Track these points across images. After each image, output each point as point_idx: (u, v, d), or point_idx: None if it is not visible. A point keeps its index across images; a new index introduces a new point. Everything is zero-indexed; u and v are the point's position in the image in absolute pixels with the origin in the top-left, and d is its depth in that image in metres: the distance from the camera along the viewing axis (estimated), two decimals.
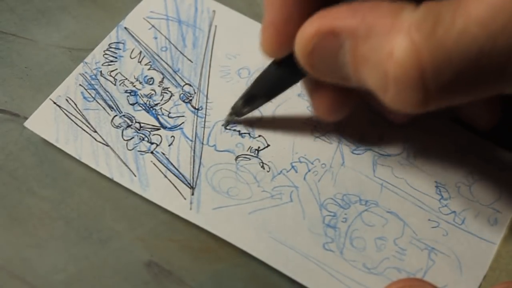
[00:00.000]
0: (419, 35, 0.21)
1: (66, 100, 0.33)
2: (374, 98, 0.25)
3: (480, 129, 0.33)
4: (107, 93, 0.34)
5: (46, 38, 0.36)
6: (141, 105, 0.34)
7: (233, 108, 0.33)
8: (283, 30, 0.27)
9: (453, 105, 0.23)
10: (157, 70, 0.35)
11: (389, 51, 0.22)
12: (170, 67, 0.35)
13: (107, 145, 0.32)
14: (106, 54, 0.35)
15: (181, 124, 0.34)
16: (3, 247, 0.30)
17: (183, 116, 0.34)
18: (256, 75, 0.35)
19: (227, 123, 0.34)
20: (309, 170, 0.33)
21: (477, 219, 0.32)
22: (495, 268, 0.30)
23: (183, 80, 0.35)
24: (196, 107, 0.34)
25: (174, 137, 0.33)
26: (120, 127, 0.33)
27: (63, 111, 0.33)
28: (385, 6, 0.23)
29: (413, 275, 0.30)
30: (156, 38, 0.36)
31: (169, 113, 0.34)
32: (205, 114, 0.34)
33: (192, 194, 0.31)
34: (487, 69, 0.21)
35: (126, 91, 0.34)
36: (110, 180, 0.32)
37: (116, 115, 0.33)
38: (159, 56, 0.36)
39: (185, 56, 0.36)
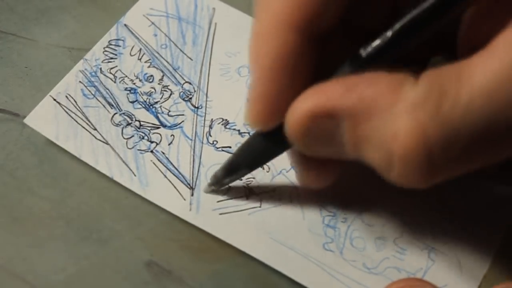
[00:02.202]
0: (424, 114, 0.21)
1: (66, 97, 0.33)
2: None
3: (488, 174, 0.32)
4: (107, 90, 0.34)
5: (46, 38, 0.36)
6: (141, 103, 0.34)
7: (214, 177, 0.31)
8: (273, 104, 0.25)
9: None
10: (157, 68, 0.35)
11: (393, 132, 0.21)
12: (170, 64, 0.35)
13: (107, 143, 0.32)
14: (106, 51, 0.35)
15: (181, 123, 0.33)
16: (3, 247, 0.30)
17: (183, 114, 0.34)
18: None
19: (207, 192, 0.32)
20: None
21: (477, 219, 0.32)
22: (495, 268, 0.30)
23: (183, 78, 0.35)
24: (196, 106, 0.34)
25: (174, 136, 0.33)
26: (120, 125, 0.33)
27: (63, 108, 0.33)
28: (382, 81, 0.22)
29: (413, 275, 0.30)
30: (156, 35, 0.36)
31: (169, 111, 0.34)
32: (205, 113, 0.34)
33: (192, 195, 0.31)
34: (497, 137, 0.21)
35: (126, 89, 0.34)
36: (110, 180, 0.32)
37: (116, 113, 0.33)
38: (159, 53, 0.36)
39: (185, 54, 0.36)
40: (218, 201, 0.31)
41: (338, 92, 0.23)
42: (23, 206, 0.31)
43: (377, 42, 0.23)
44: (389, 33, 0.23)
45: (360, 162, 0.24)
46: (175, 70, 0.35)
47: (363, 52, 0.24)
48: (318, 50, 0.25)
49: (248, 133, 0.33)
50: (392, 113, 0.21)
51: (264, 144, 0.28)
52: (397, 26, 0.23)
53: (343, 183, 0.32)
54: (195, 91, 0.35)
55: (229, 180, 0.31)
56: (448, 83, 0.21)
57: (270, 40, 0.24)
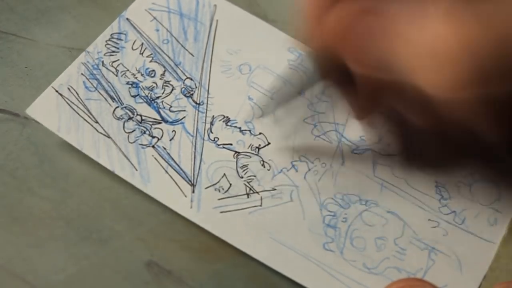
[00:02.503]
0: (456, 10, 0.20)
1: (68, 89, 0.33)
2: (401, 99, 0.24)
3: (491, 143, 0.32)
4: (109, 83, 0.34)
5: (46, 38, 0.36)
6: (142, 97, 0.34)
7: (262, 105, 0.32)
8: (321, 16, 0.25)
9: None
10: (158, 63, 0.35)
11: (424, 26, 0.21)
12: (171, 60, 0.35)
13: (109, 137, 0.32)
14: (108, 44, 0.35)
15: (182, 119, 0.33)
16: (3, 247, 0.30)
17: (184, 110, 0.34)
18: (257, 71, 0.35)
19: (256, 117, 0.33)
20: (309, 170, 0.33)
21: (477, 219, 0.32)
22: (495, 268, 0.30)
23: (184, 74, 0.35)
24: (197, 102, 0.34)
25: (175, 131, 0.33)
26: (121, 119, 0.33)
27: (64, 100, 0.33)
28: None
29: (413, 274, 0.30)
30: (157, 30, 0.36)
31: (171, 107, 0.34)
32: (206, 109, 0.34)
33: (193, 191, 0.31)
34: None
35: (127, 83, 0.34)
36: (110, 181, 0.32)
37: (117, 107, 0.33)
38: (160, 48, 0.35)
39: (186, 50, 0.36)
40: (219, 199, 0.31)
41: None
42: (23, 206, 0.31)
43: None
44: None
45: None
46: (176, 65, 0.35)
47: None
48: None
49: (249, 130, 0.33)
50: (425, 10, 0.21)
51: (309, 68, 0.29)
52: None
53: (343, 183, 0.32)
54: (196, 87, 0.34)
55: (275, 107, 0.32)
56: None
57: None
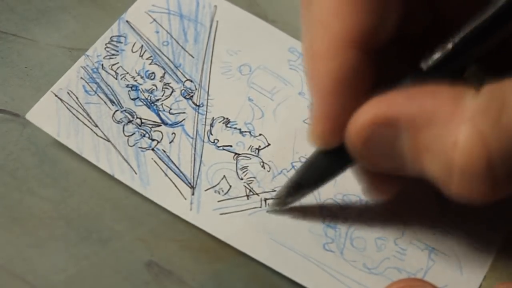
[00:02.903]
0: (484, 123, 0.20)
1: (68, 93, 0.33)
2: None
3: None
4: (108, 87, 0.34)
5: (46, 38, 0.36)
6: (142, 100, 0.34)
7: (277, 197, 0.31)
8: (336, 122, 0.25)
9: None
10: (158, 65, 0.35)
11: (453, 141, 0.21)
12: (171, 62, 0.35)
13: (108, 141, 0.32)
14: (107, 47, 0.35)
15: (182, 121, 0.33)
16: (3, 247, 0.30)
17: (184, 112, 0.34)
18: (257, 72, 0.35)
19: (271, 210, 0.32)
20: None
21: (478, 219, 0.32)
22: (495, 268, 0.30)
23: (184, 76, 0.35)
24: (197, 104, 0.34)
25: (175, 134, 0.33)
26: (121, 122, 0.33)
27: (64, 104, 0.33)
28: (444, 92, 0.22)
29: (413, 275, 0.30)
30: (157, 32, 0.36)
31: (170, 109, 0.34)
32: (206, 111, 0.34)
33: (193, 194, 0.31)
34: None
35: (127, 86, 0.34)
36: (110, 180, 0.32)
37: (117, 110, 0.33)
38: (160, 50, 0.35)
39: (186, 51, 0.36)
40: (218, 201, 0.31)
41: (399, 101, 0.23)
42: (23, 206, 0.31)
43: (437, 55, 0.23)
44: (449, 45, 0.23)
45: (419, 178, 0.24)
46: (176, 67, 0.35)
47: (424, 65, 0.24)
48: (376, 65, 0.25)
49: (249, 132, 0.33)
50: (452, 123, 0.21)
51: (328, 161, 0.28)
52: (457, 38, 0.23)
53: (343, 183, 0.32)
54: (196, 89, 0.34)
55: (292, 199, 0.31)
56: (510, 94, 0.21)
57: (329, 59, 0.24)
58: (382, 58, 0.26)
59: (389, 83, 0.24)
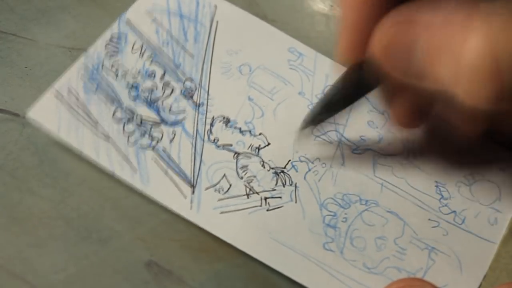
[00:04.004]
0: (496, 23, 0.21)
1: (68, 91, 0.33)
2: (447, 108, 0.24)
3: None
4: (109, 85, 0.34)
5: (46, 38, 0.36)
6: (142, 99, 0.34)
7: (309, 114, 0.32)
8: (362, 33, 0.26)
9: None
10: (158, 65, 0.35)
11: (463, 40, 0.21)
12: (171, 61, 0.35)
13: (109, 139, 0.32)
14: (108, 46, 0.35)
15: (182, 120, 0.33)
16: (3, 246, 0.30)
17: (184, 111, 0.34)
18: (257, 72, 0.35)
19: (303, 132, 0.33)
20: (309, 170, 0.33)
21: (477, 219, 0.32)
22: (495, 268, 0.30)
23: (184, 75, 0.35)
24: (197, 103, 0.34)
25: (175, 133, 0.33)
26: (121, 121, 0.33)
27: (64, 103, 0.33)
28: (464, 1, 0.22)
29: (413, 274, 0.30)
30: (157, 31, 0.36)
31: (170, 108, 0.34)
32: (206, 111, 0.34)
33: (193, 192, 0.31)
34: None
35: (127, 85, 0.34)
36: (110, 180, 0.32)
37: (117, 109, 0.33)
38: (160, 50, 0.35)
39: (186, 51, 0.36)
40: (218, 200, 0.31)
41: (420, 7, 0.24)
42: (23, 206, 0.31)
43: None
44: None
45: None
46: (176, 67, 0.35)
47: None
48: None
49: (249, 131, 0.33)
50: (465, 24, 0.21)
51: (355, 80, 0.29)
52: None
53: (343, 183, 0.32)
54: (196, 88, 0.34)
55: (325, 116, 0.31)
56: None
57: None
58: None
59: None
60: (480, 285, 0.30)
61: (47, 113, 0.32)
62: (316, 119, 0.31)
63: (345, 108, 0.30)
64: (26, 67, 0.35)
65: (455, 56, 0.22)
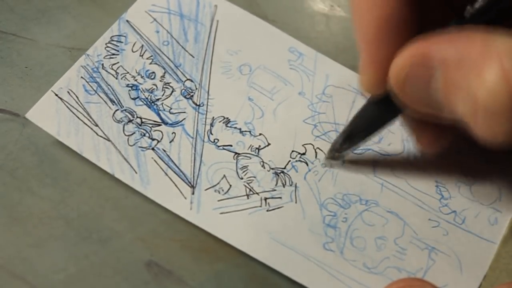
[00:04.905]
0: (509, 61, 0.21)
1: (68, 92, 0.33)
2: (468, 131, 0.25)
3: None
4: (109, 86, 0.34)
5: (46, 38, 0.36)
6: (142, 99, 0.34)
7: (333, 145, 0.32)
8: (382, 67, 0.26)
9: None
10: (158, 65, 0.35)
11: (480, 79, 0.21)
12: (171, 61, 0.35)
13: (108, 140, 0.32)
14: (108, 47, 0.35)
15: (182, 120, 0.33)
16: (3, 246, 0.30)
17: (184, 112, 0.34)
18: (257, 72, 0.35)
19: (329, 161, 0.33)
20: (309, 170, 0.33)
21: (477, 219, 0.32)
22: (495, 268, 0.30)
23: (184, 76, 0.35)
24: (197, 103, 0.34)
25: (175, 133, 0.33)
26: (121, 121, 0.33)
27: (64, 104, 0.33)
28: (479, 34, 0.22)
29: (413, 274, 0.30)
30: (158, 32, 0.36)
31: (170, 108, 0.34)
32: (206, 111, 0.34)
33: (193, 193, 0.31)
34: None
35: (127, 85, 0.34)
36: (110, 180, 0.32)
37: (117, 109, 0.33)
38: (160, 50, 0.35)
39: (186, 51, 0.36)
40: (218, 200, 0.31)
41: (435, 43, 0.24)
42: (23, 206, 0.31)
43: (480, 2, 0.24)
44: None
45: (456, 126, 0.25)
46: (176, 67, 0.35)
47: (467, 13, 0.24)
48: (420, 12, 0.26)
49: (249, 131, 0.33)
50: (480, 61, 0.22)
51: (378, 110, 0.29)
52: None
53: (343, 183, 0.32)
54: (196, 88, 0.34)
55: (347, 146, 0.32)
56: None
57: (373, 7, 0.26)
58: (427, 5, 0.27)
59: (432, 30, 0.25)
60: (480, 285, 0.30)
61: (47, 114, 0.32)
62: (339, 149, 0.32)
63: (369, 137, 0.31)
64: (26, 67, 0.35)
65: (471, 93, 0.22)
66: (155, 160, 0.32)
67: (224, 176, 0.32)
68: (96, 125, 0.33)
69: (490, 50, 0.21)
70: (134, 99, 0.34)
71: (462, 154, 0.33)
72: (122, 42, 0.35)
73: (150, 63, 0.35)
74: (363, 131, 0.30)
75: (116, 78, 0.34)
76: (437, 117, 0.26)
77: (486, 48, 0.22)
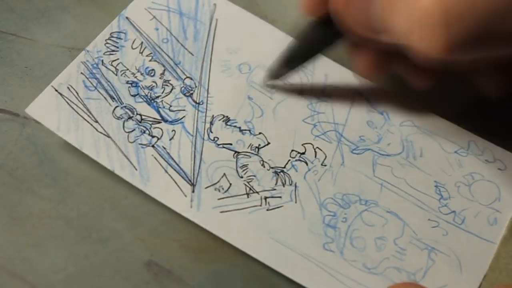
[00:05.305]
0: None
1: (68, 88, 0.33)
2: (404, 60, 0.25)
3: (491, 95, 0.33)
4: (109, 83, 0.34)
5: (46, 38, 0.36)
6: (142, 96, 0.34)
7: (270, 70, 0.33)
8: None
9: (472, 67, 0.24)
10: (158, 62, 0.35)
11: None
12: (171, 59, 0.35)
13: (108, 136, 0.32)
14: (107, 43, 0.35)
15: (182, 118, 0.33)
16: (3, 246, 0.30)
17: (184, 110, 0.34)
18: (257, 70, 0.35)
19: (265, 83, 0.34)
20: (309, 170, 0.33)
21: (477, 219, 0.32)
22: (495, 268, 0.30)
23: (184, 73, 0.35)
24: (197, 101, 0.34)
25: (175, 131, 0.33)
26: (121, 118, 0.33)
27: (64, 99, 0.33)
28: None
29: (413, 275, 0.30)
30: (157, 29, 0.36)
31: (170, 106, 0.34)
32: (206, 109, 0.34)
33: (193, 191, 0.31)
34: (510, 21, 0.22)
35: (127, 82, 0.34)
36: (110, 180, 0.32)
37: (117, 106, 0.33)
38: (160, 47, 0.35)
39: (186, 49, 0.35)
40: (219, 199, 0.31)
41: None
42: (23, 206, 0.31)
43: None
44: None
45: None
46: (176, 65, 0.35)
47: None
48: None
49: (249, 130, 0.33)
50: None
51: (318, 33, 0.29)
52: None
53: (343, 183, 0.32)
54: (196, 86, 0.34)
55: (285, 71, 0.32)
56: None
57: None
58: None
59: None
60: (480, 285, 0.30)
61: (46, 109, 0.32)
62: (278, 73, 0.33)
63: (307, 62, 0.32)
64: (26, 67, 0.35)
65: (409, 7, 0.23)
66: (155, 157, 0.32)
67: (224, 174, 0.32)
68: (96, 121, 0.33)
69: None
70: (134, 96, 0.34)
71: (462, 154, 0.33)
72: (121, 39, 0.35)
73: (150, 60, 0.35)
74: (302, 55, 0.31)
75: (116, 75, 0.34)
76: (376, 42, 0.27)
77: None
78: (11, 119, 0.34)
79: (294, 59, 0.31)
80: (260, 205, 0.31)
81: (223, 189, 0.32)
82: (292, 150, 0.33)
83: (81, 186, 0.32)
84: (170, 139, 0.33)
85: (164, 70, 0.35)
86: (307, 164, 0.33)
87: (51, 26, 0.37)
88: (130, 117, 0.33)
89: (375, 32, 0.26)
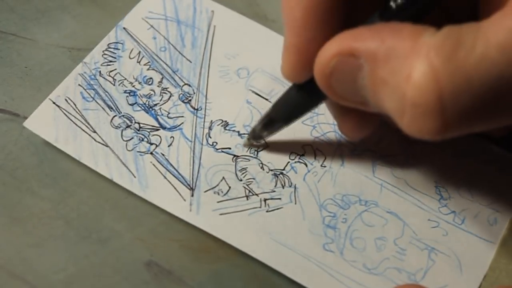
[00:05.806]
0: (438, 58, 0.21)
1: (66, 100, 0.33)
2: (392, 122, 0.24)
3: (494, 136, 0.33)
4: (106, 93, 0.34)
5: (46, 38, 0.36)
6: (140, 105, 0.34)
7: (252, 132, 0.32)
8: (304, 53, 0.26)
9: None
10: (156, 70, 0.35)
11: (407, 74, 0.21)
12: (169, 67, 0.35)
13: (107, 146, 0.32)
14: (105, 54, 0.35)
15: (180, 125, 0.33)
16: (3, 246, 0.30)
17: (182, 116, 0.34)
18: (255, 75, 0.35)
19: (247, 146, 0.33)
20: (308, 171, 0.33)
21: (477, 219, 0.32)
22: (495, 268, 0.30)
23: (182, 80, 0.35)
24: (196, 108, 0.34)
25: (173, 137, 0.33)
26: (119, 127, 0.33)
27: (62, 111, 0.33)
28: (406, 29, 0.22)
29: (413, 275, 0.30)
30: (155, 38, 0.36)
31: (169, 113, 0.34)
32: (204, 115, 0.34)
33: (192, 195, 0.31)
34: (508, 96, 0.21)
35: (125, 91, 0.34)
36: (110, 180, 0.32)
37: (115, 115, 0.33)
38: (158, 56, 0.36)
39: (184, 56, 0.36)
40: (218, 202, 0.31)
41: (362, 36, 0.23)
42: (23, 206, 0.31)
43: None
44: None
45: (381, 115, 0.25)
46: (174, 72, 0.35)
47: (393, 4, 0.24)
48: (347, 3, 0.26)
49: (248, 134, 0.33)
50: (409, 58, 0.21)
51: (299, 97, 0.29)
52: None
53: (343, 184, 0.32)
54: (194, 93, 0.35)
55: (266, 133, 0.32)
56: (466, 34, 0.21)
57: None
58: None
59: (359, 22, 0.25)
60: (480, 285, 0.30)
61: (45, 122, 0.33)
62: (258, 136, 0.32)
63: (289, 123, 0.31)
64: (26, 67, 0.35)
65: (399, 90, 0.22)
66: (153, 164, 0.32)
67: (223, 178, 0.32)
68: (94, 132, 0.33)
69: (418, 46, 0.21)
70: (132, 104, 0.34)
71: (462, 154, 0.33)
72: (119, 49, 0.35)
73: (148, 69, 0.35)
74: (283, 118, 0.30)
75: (114, 85, 0.34)
76: (363, 109, 0.26)
77: (414, 43, 0.22)
78: (11, 119, 0.34)
79: (276, 122, 0.31)
80: (260, 207, 0.32)
81: (222, 192, 0.32)
82: (292, 152, 0.33)
83: (81, 186, 0.32)
84: (169, 146, 0.33)
85: (162, 78, 0.35)
86: (306, 165, 0.33)
87: (51, 26, 0.37)
88: (128, 126, 0.33)
89: (361, 104, 0.25)
